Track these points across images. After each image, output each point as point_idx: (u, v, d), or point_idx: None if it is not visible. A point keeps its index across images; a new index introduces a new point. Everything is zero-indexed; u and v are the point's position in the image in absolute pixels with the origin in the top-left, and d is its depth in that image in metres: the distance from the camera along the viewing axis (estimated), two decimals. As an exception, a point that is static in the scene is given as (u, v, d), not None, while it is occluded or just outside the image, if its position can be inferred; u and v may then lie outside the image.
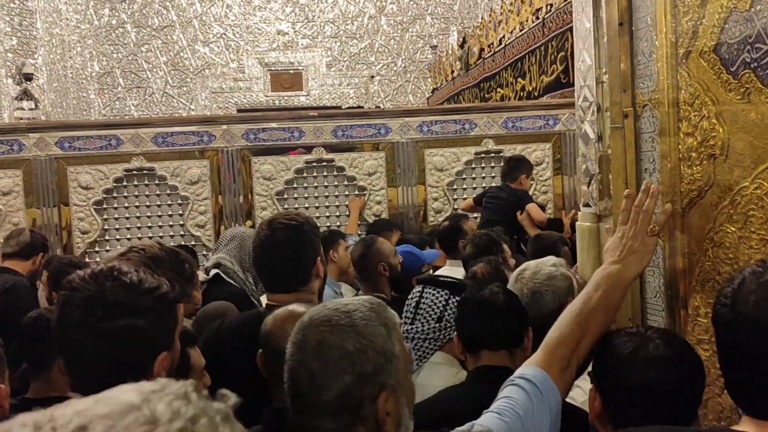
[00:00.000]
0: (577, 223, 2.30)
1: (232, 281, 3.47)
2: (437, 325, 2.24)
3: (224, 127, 4.94)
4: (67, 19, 11.94)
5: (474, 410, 1.38)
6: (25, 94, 10.48)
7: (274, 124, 4.99)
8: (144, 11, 12.38)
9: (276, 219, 2.07)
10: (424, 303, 2.27)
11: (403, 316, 2.29)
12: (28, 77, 10.49)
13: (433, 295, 2.28)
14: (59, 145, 4.78)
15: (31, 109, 10.39)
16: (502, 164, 4.90)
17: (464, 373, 2.18)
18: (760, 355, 1.01)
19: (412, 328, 2.26)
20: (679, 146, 1.44)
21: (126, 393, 0.53)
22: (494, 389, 1.42)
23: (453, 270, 3.47)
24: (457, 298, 2.21)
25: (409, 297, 2.35)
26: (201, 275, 3.70)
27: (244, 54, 12.64)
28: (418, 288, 2.34)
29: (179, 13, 12.47)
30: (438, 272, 3.51)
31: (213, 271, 3.61)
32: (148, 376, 1.24)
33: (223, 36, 12.63)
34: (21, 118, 9.70)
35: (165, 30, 12.48)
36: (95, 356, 1.22)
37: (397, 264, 3.21)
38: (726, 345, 1.08)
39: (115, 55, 12.41)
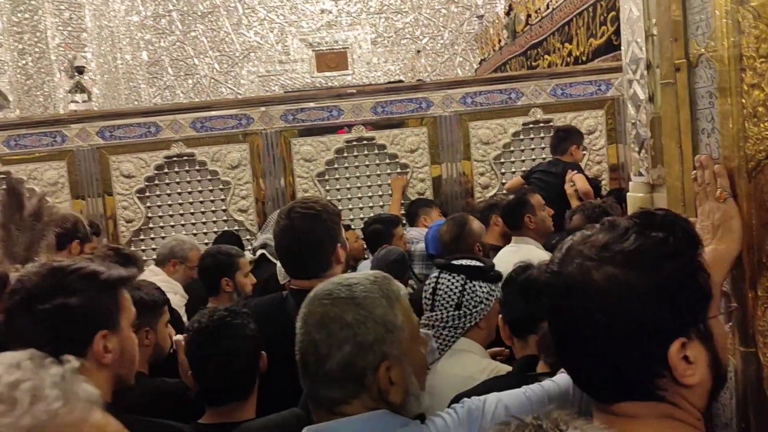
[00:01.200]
0: (628, 194, 2.08)
1: (277, 261, 3.40)
2: (456, 312, 2.10)
3: (262, 109, 4.84)
4: (115, 10, 12.09)
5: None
6: (78, 87, 10.68)
7: (312, 104, 4.86)
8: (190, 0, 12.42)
9: (293, 208, 2.06)
10: (440, 289, 2.12)
11: (423, 302, 2.16)
12: (80, 70, 10.67)
13: (449, 280, 2.12)
14: (100, 134, 4.77)
15: (84, 102, 10.58)
16: (551, 136, 4.63)
17: (492, 364, 2.04)
18: (589, 325, 0.89)
19: (432, 315, 2.13)
20: (743, 101, 1.22)
21: None
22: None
23: (520, 248, 3.27)
24: (475, 282, 2.06)
25: (426, 282, 2.20)
26: (248, 256, 3.65)
27: (288, 35, 12.56)
28: (434, 273, 2.18)
29: (223, -2, 12.45)
30: (503, 250, 3.33)
31: (259, 252, 3.54)
32: (89, 354, 1.33)
33: (267, 18, 12.56)
34: (76, 111, 9.91)
35: (210, 15, 12.50)
36: (36, 338, 1.22)
37: (487, 244, 3.08)
38: (556, 319, 0.95)
39: (162, 44, 12.52)
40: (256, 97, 6.88)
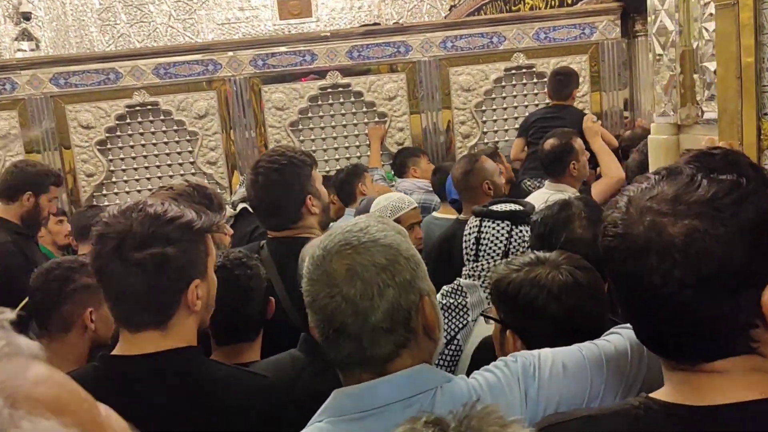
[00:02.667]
0: (650, 136, 1.93)
1: None
2: (504, 260, 1.94)
3: (230, 54, 4.54)
4: (62, -48, 11.32)
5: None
6: (25, 35, 10.04)
7: (283, 48, 4.57)
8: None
9: (259, 162, 2.05)
10: (484, 238, 1.98)
11: (464, 252, 2.04)
12: (27, 17, 10.03)
13: (494, 228, 1.98)
14: (54, 81, 4.42)
15: (32, 50, 9.97)
16: (550, 79, 4.38)
17: None
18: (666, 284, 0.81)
19: (477, 266, 2.00)
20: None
21: None
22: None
23: (554, 193, 3.01)
24: (521, 228, 1.95)
25: (466, 232, 2.05)
26: (228, 210, 3.41)
27: (248, -20, 11.98)
28: (474, 221, 2.03)
29: (178, -60, 11.77)
30: (537, 193, 3.19)
31: (240, 206, 3.31)
32: (182, 303, 1.32)
33: (226, -38, 11.95)
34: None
35: (164, -41, 11.82)
36: (130, 286, 1.28)
37: (501, 183, 2.95)
38: (627, 284, 0.87)
39: (115, -11, 11.81)
40: (223, 42, 6.48)
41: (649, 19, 1.85)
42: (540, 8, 5.72)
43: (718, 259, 0.80)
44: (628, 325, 1.13)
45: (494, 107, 4.76)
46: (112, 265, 1.29)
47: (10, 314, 0.58)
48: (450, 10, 9.89)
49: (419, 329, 1.09)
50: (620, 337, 1.16)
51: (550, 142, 3.26)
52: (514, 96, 4.75)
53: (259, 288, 1.79)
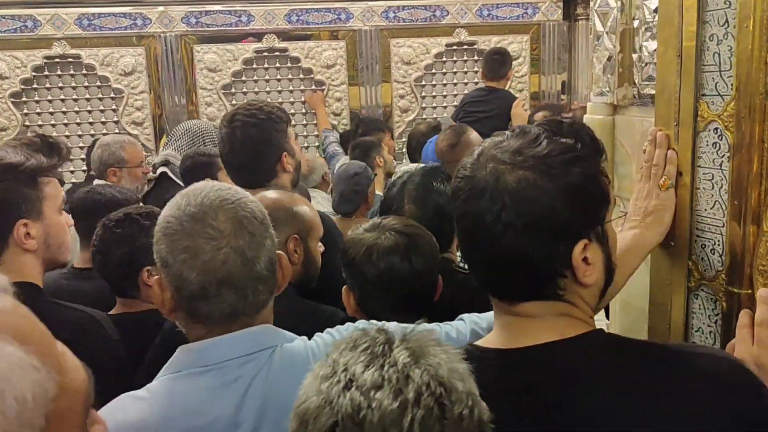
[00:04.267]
0: (585, 116, 1.89)
1: (179, 181, 3.04)
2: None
3: (161, 8, 4.29)
4: None
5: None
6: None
7: (218, 7, 4.35)
8: None
9: (236, 115, 1.97)
10: None
11: None
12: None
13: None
14: (-36, 25, 4.07)
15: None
16: (485, 59, 4.29)
17: None
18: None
19: None
20: None
21: None
22: None
23: None
24: None
25: None
26: (150, 174, 3.25)
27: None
28: None
29: None
30: None
31: (160, 169, 3.15)
32: (10, 241, 1.41)
33: None
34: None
35: None
36: None
37: None
38: (465, 222, 0.97)
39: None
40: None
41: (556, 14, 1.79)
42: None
43: (541, 208, 0.89)
44: (476, 315, 1.34)
45: (434, 83, 4.69)
46: None
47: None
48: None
49: (276, 278, 1.17)
50: (463, 323, 1.30)
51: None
52: (454, 72, 4.70)
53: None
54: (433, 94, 4.70)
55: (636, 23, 1.66)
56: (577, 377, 0.92)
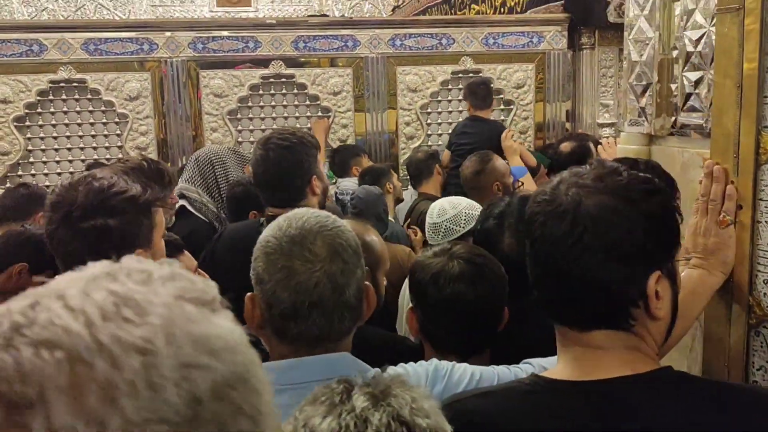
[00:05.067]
0: (619, 146, 1.87)
1: (198, 214, 2.94)
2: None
3: (168, 34, 4.27)
4: None
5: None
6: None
7: (225, 33, 4.34)
8: None
9: (270, 138, 2.11)
10: None
11: None
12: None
13: None
14: (-32, 49, 4.03)
15: (-56, 17, 9.25)
16: (470, 90, 4.34)
17: None
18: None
19: None
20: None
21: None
22: None
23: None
24: None
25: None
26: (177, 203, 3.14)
27: (186, -37, 11.52)
28: None
29: None
30: None
31: (180, 203, 3.03)
32: None
33: (163, -58, 11.46)
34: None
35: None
36: (76, 254, 1.36)
37: (511, 184, 2.93)
38: (541, 246, 0.98)
39: (40, -41, 11.11)
40: (161, 20, 6.16)
41: (626, 23, 1.79)
42: (488, 14, 5.70)
43: (620, 233, 0.91)
44: (544, 359, 1.30)
45: (439, 110, 4.69)
46: (61, 232, 1.40)
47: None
48: (393, 11, 9.81)
49: (363, 307, 1.22)
50: (531, 366, 1.28)
51: (569, 145, 3.25)
52: (460, 100, 4.70)
53: None
54: (439, 121, 4.70)
55: (675, 53, 1.65)
56: (649, 414, 0.90)
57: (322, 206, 2.14)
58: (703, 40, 1.54)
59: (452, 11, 6.53)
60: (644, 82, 1.72)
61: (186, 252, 2.09)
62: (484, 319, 1.52)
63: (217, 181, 3.08)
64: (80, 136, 4.25)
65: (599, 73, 4.71)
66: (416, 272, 1.57)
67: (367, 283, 1.22)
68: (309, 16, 7.04)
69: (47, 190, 2.78)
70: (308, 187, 2.08)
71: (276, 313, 1.14)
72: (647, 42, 1.70)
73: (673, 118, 1.68)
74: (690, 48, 1.58)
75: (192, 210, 2.84)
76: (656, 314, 0.94)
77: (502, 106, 4.74)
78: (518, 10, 5.14)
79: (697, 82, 1.57)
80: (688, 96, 1.60)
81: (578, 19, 4.61)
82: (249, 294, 1.17)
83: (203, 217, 2.83)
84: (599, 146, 3.49)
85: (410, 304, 1.64)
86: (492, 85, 4.47)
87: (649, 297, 0.93)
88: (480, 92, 4.30)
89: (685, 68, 1.60)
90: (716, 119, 1.26)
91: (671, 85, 1.66)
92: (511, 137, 4.02)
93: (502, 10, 5.43)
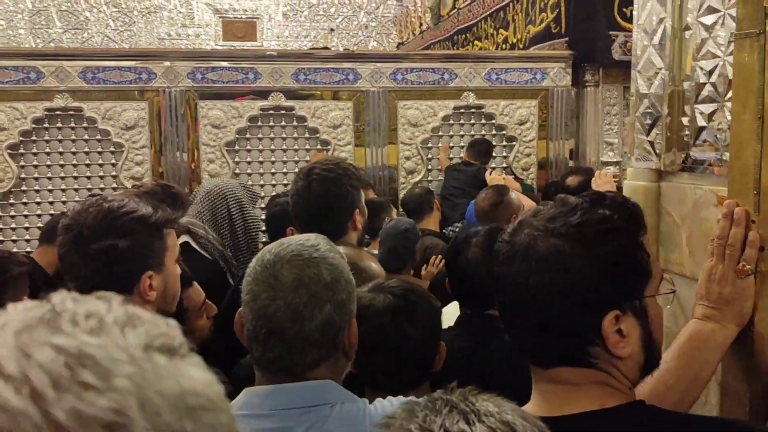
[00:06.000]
0: (626, 182, 1.78)
1: (203, 252, 2.72)
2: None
3: (167, 64, 4.23)
4: (-5, -53, 10.73)
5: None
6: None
7: (225, 63, 4.30)
8: (83, -56, 11.22)
9: (313, 168, 1.98)
10: None
11: None
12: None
13: None
14: (-35, 75, 3.99)
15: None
16: (474, 143, 4.41)
17: None
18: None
19: None
20: None
21: None
22: None
23: None
24: None
25: None
26: None
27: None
28: None
29: (123, -51, 11.36)
30: None
31: (181, 239, 2.84)
32: (135, 293, 1.42)
33: (171, -23, 11.60)
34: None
35: (106, -34, 11.37)
36: (88, 276, 1.38)
37: None
38: (502, 285, 0.99)
39: (50, -9, 11.25)
40: (160, 50, 6.16)
41: (633, 56, 1.71)
42: (490, 51, 5.68)
43: (569, 276, 0.91)
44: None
45: (441, 145, 4.62)
46: (72, 254, 1.41)
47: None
48: (397, 47, 9.86)
49: (341, 347, 1.19)
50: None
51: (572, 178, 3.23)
52: (461, 135, 4.63)
53: None
54: (440, 156, 4.62)
55: (686, 85, 1.57)
56: None
57: (360, 241, 2.07)
58: (717, 71, 1.45)
59: (455, 48, 6.52)
60: (653, 116, 1.63)
61: (195, 284, 2.02)
62: (413, 356, 1.46)
63: (230, 216, 2.84)
64: (74, 165, 4.18)
65: (603, 110, 4.64)
66: None
67: (353, 320, 1.20)
68: (311, 48, 7.03)
69: None
70: (350, 221, 1.95)
71: (245, 334, 1.18)
72: (656, 73, 1.62)
73: (684, 153, 1.58)
74: (703, 79, 1.49)
75: (195, 246, 2.68)
76: (618, 353, 0.93)
77: (504, 143, 4.67)
78: (521, 47, 5.11)
79: (711, 115, 1.48)
80: (700, 129, 1.51)
81: (582, 56, 4.57)
82: (239, 310, 1.20)
83: (207, 254, 2.67)
84: (592, 178, 3.46)
85: None
86: (489, 144, 4.47)
87: (605, 337, 0.92)
88: (480, 148, 4.36)
89: (698, 100, 1.51)
90: (734, 154, 1.16)
91: (682, 118, 1.57)
92: (490, 173, 4.02)
93: (504, 47, 5.40)
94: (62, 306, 0.44)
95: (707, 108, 1.46)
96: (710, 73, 1.47)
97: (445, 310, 2.06)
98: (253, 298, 1.15)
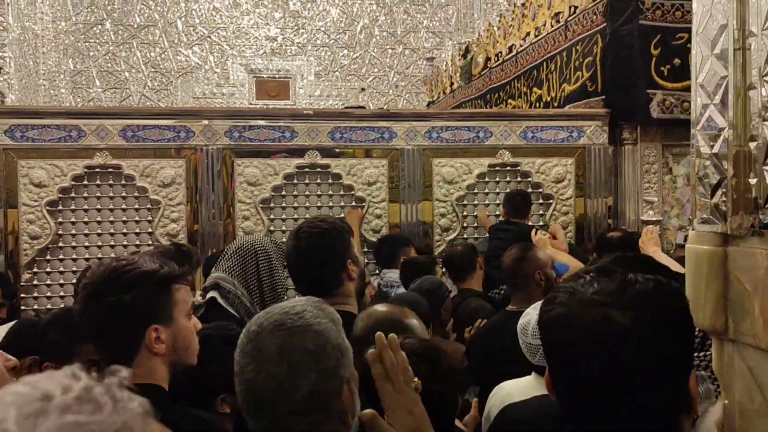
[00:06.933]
0: (689, 246, 1.69)
1: (230, 308, 2.69)
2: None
3: (205, 122, 4.29)
4: (42, 12, 11.22)
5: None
6: (-9, 88, 9.73)
7: (262, 122, 4.34)
8: (125, 9, 11.69)
9: (301, 227, 2.08)
10: None
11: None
12: (-4, 70, 9.76)
13: None
14: (9, 134, 4.08)
15: (-4, 105, 9.64)
16: (508, 200, 4.30)
17: None
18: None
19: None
20: None
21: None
22: None
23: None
24: None
25: None
26: (197, 298, 2.93)
27: (229, 58, 11.99)
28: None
29: (162, 12, 11.81)
30: None
31: (210, 294, 2.81)
32: (143, 345, 1.47)
33: (208, 38, 11.98)
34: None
35: (147, 29, 11.80)
36: (98, 327, 1.49)
37: (553, 275, 2.85)
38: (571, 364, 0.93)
39: (92, 53, 11.67)
40: (198, 108, 6.27)
41: (692, 114, 1.65)
42: (523, 109, 5.68)
43: (657, 344, 0.87)
44: None
45: (476, 202, 4.57)
46: (86, 309, 1.51)
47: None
48: (427, 106, 9.96)
49: (336, 414, 1.16)
50: None
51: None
52: (497, 193, 4.58)
53: None
54: (475, 214, 4.56)
55: (753, 145, 1.50)
56: None
57: (360, 291, 2.16)
58: (785, 131, 1.38)
59: (487, 106, 6.54)
60: (717, 177, 1.56)
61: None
62: (430, 410, 1.41)
63: (258, 272, 2.81)
64: (111, 222, 4.21)
65: (642, 168, 4.56)
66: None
67: (351, 387, 1.19)
68: (346, 107, 7.10)
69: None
70: (344, 272, 2.02)
71: (241, 406, 1.19)
72: (719, 133, 1.55)
73: (754, 217, 1.50)
74: (770, 139, 1.43)
75: (223, 303, 2.63)
76: (696, 412, 0.98)
77: (540, 200, 4.61)
78: (555, 105, 5.10)
79: (783, 177, 1.40)
80: (771, 192, 1.43)
81: (619, 114, 4.53)
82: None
83: (234, 312, 2.62)
84: (640, 238, 3.36)
85: None
86: (525, 196, 4.36)
87: (692, 399, 0.94)
88: (515, 203, 4.26)
89: (766, 162, 1.44)
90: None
91: (750, 180, 1.50)
92: (536, 234, 3.89)
93: (537, 105, 5.39)
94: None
95: (779, 169, 1.39)
96: (780, 132, 1.40)
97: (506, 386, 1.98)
98: (241, 371, 1.16)
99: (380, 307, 1.83)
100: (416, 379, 1.30)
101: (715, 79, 1.57)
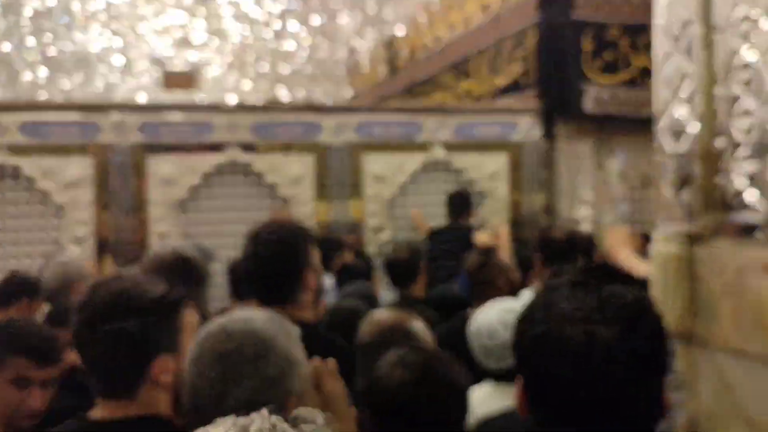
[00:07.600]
0: (656, 248, 1.60)
1: None
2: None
3: (115, 117, 3.94)
4: None
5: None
6: None
7: (179, 116, 4.04)
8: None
9: (259, 233, 1.96)
10: None
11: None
12: None
13: None
14: None
15: None
16: (451, 200, 4.19)
17: None
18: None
19: None
20: None
21: None
22: None
23: None
24: None
25: None
26: None
27: (132, 48, 11.28)
28: None
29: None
30: None
31: None
32: (147, 376, 1.34)
33: (108, 26, 11.24)
34: None
35: (39, 13, 10.91)
36: (97, 356, 1.35)
37: (518, 279, 2.77)
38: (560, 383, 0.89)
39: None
40: (107, 103, 5.82)
41: (654, 111, 1.56)
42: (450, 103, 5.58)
43: (645, 357, 0.87)
44: None
45: (408, 200, 4.42)
46: (83, 335, 1.38)
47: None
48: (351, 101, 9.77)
49: None
50: None
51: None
52: (429, 190, 4.45)
53: None
54: (408, 213, 4.42)
55: (720, 142, 1.41)
56: None
57: (316, 300, 2.07)
58: (756, 128, 1.30)
59: (413, 97, 6.43)
60: (683, 176, 1.47)
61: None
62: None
63: None
64: (15, 231, 3.82)
65: (575, 165, 4.54)
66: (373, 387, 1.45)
67: (296, 397, 1.14)
68: (269, 101, 6.84)
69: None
70: (302, 280, 1.92)
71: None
72: (684, 131, 1.46)
73: (722, 216, 1.42)
74: (739, 137, 1.34)
75: None
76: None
77: (475, 198, 4.51)
78: (485, 98, 5.03)
79: (753, 176, 1.32)
80: (742, 191, 1.35)
81: (552, 108, 4.49)
82: None
83: None
84: (607, 234, 3.30)
85: None
86: (465, 196, 4.24)
87: (665, 407, 0.93)
88: (454, 203, 4.16)
89: (734, 159, 1.36)
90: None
91: (717, 179, 1.41)
92: (480, 237, 3.80)
93: (467, 98, 5.31)
94: None
95: (749, 166, 1.31)
96: (748, 130, 1.32)
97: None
98: (188, 374, 1.16)
99: (383, 313, 1.80)
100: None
101: (679, 74, 1.48)
